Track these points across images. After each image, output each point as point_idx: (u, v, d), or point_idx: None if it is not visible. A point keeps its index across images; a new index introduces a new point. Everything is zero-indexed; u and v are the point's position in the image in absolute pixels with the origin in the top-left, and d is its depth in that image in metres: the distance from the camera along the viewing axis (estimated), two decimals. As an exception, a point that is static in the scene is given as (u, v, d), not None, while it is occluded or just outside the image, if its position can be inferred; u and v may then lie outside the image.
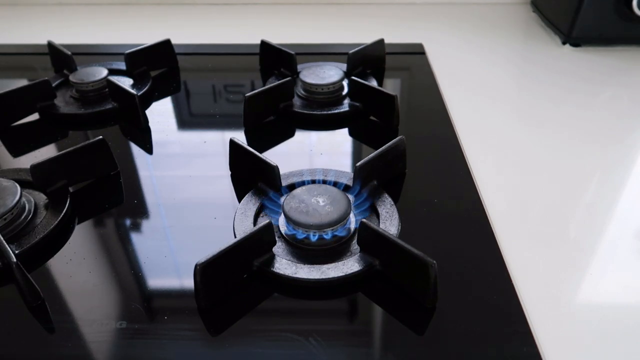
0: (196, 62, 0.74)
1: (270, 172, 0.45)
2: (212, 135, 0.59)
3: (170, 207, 0.46)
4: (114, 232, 0.43)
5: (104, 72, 0.63)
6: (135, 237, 0.43)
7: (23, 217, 0.42)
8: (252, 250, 0.38)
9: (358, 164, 0.44)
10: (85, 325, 0.35)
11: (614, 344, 0.34)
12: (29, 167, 0.44)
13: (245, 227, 0.41)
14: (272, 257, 0.38)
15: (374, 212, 0.44)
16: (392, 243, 0.36)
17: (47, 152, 0.54)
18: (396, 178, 0.49)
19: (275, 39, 0.70)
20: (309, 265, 0.38)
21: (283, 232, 0.41)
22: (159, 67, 0.71)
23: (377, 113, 0.58)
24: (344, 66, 0.65)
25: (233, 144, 0.49)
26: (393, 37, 0.74)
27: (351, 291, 0.37)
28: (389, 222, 0.42)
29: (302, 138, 0.57)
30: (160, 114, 0.62)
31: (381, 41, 0.69)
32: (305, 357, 0.33)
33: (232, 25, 0.88)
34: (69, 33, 0.85)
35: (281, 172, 0.45)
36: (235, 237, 0.40)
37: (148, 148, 0.55)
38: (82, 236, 0.43)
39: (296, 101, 0.61)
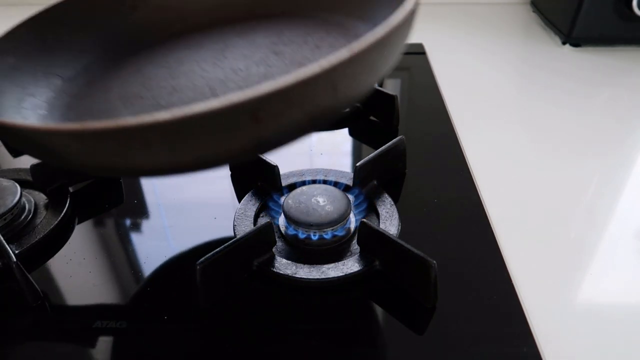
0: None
1: (270, 172, 0.45)
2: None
3: (170, 207, 0.46)
4: (114, 232, 0.43)
5: (104, 72, 0.62)
6: (135, 237, 0.43)
7: (23, 217, 0.42)
8: (252, 250, 0.38)
9: (358, 164, 0.44)
10: (85, 325, 0.35)
11: (614, 344, 0.34)
12: (29, 167, 0.44)
13: (245, 227, 0.41)
14: (272, 257, 0.38)
15: (374, 212, 0.44)
16: (392, 243, 0.36)
17: (47, 152, 0.54)
18: (396, 178, 0.49)
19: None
20: (309, 265, 0.38)
21: (283, 232, 0.41)
22: (159, 67, 0.71)
23: (377, 113, 0.58)
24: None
25: (233, 143, 0.49)
26: (393, 37, 0.74)
27: (351, 291, 0.37)
28: (389, 222, 0.42)
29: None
30: (160, 114, 0.62)
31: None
32: (305, 357, 0.33)
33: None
34: (69, 33, 0.85)
35: (281, 172, 0.45)
36: (235, 237, 0.40)
37: (148, 148, 0.55)
38: (82, 236, 0.43)
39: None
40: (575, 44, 0.76)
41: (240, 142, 0.23)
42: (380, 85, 0.66)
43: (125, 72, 0.41)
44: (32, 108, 0.36)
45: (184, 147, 0.22)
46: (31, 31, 0.39)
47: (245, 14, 0.45)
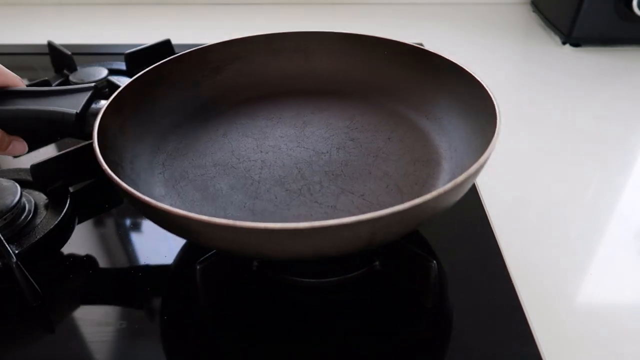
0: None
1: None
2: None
3: (170, 207, 0.46)
4: (114, 232, 0.43)
5: (104, 72, 0.63)
6: (135, 237, 0.43)
7: (23, 217, 0.42)
8: (252, 250, 0.38)
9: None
10: (85, 325, 0.35)
11: (614, 344, 0.34)
12: (29, 167, 0.44)
13: (246, 227, 0.42)
14: (272, 257, 0.38)
15: (374, 212, 0.44)
16: (392, 243, 0.36)
17: (47, 152, 0.54)
18: (396, 178, 0.49)
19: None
20: (308, 266, 0.38)
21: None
22: (159, 67, 0.71)
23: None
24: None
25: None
26: (393, 37, 0.74)
27: (351, 291, 0.37)
28: (389, 222, 0.42)
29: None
30: (160, 114, 0.62)
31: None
32: (305, 357, 0.33)
33: (233, 25, 0.88)
34: (69, 33, 0.85)
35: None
36: (235, 237, 0.40)
37: (148, 148, 0.55)
38: (82, 236, 0.43)
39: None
40: (575, 44, 0.76)
41: (354, 245, 0.30)
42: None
43: (212, 136, 0.46)
44: (137, 168, 0.40)
45: (310, 245, 0.29)
46: (132, 94, 0.43)
47: (316, 89, 0.52)
